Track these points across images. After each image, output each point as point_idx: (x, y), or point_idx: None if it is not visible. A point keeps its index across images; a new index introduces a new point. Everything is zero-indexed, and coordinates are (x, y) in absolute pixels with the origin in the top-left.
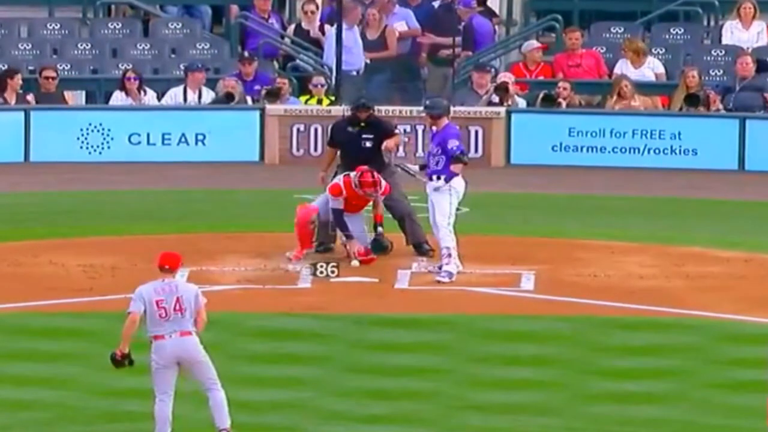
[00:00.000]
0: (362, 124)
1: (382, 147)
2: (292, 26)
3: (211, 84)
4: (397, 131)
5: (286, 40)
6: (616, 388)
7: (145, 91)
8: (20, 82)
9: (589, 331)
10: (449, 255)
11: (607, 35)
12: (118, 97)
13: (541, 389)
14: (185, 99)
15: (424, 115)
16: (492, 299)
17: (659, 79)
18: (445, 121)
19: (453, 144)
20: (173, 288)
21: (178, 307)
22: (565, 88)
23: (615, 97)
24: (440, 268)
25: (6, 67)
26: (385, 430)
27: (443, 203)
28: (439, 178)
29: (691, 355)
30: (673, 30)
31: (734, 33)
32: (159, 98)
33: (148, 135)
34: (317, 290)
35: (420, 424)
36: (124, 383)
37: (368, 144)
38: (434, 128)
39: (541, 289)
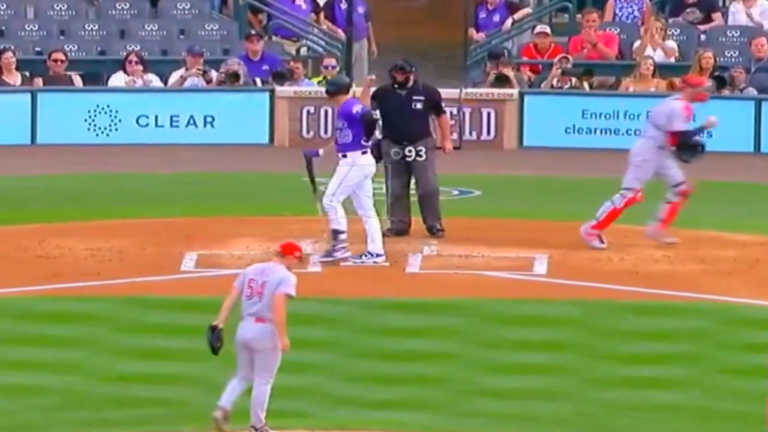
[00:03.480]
0: (406, 87)
1: (445, 149)
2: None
3: (219, 65)
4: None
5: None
6: (628, 373)
7: (150, 81)
8: (13, 60)
9: (601, 316)
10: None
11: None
12: (118, 79)
13: (552, 374)
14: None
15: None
16: (504, 283)
17: (675, 60)
18: (345, 97)
19: (357, 108)
20: (267, 271)
21: (259, 291)
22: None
23: (637, 77)
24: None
25: (12, 47)
26: (394, 416)
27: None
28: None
29: (704, 340)
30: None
31: (739, 13)
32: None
33: (156, 117)
34: (327, 274)
35: (430, 409)
36: (130, 368)
37: (419, 106)
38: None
39: (553, 273)
